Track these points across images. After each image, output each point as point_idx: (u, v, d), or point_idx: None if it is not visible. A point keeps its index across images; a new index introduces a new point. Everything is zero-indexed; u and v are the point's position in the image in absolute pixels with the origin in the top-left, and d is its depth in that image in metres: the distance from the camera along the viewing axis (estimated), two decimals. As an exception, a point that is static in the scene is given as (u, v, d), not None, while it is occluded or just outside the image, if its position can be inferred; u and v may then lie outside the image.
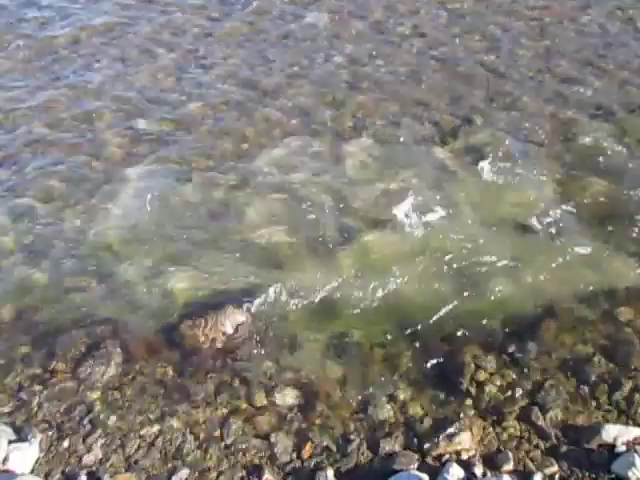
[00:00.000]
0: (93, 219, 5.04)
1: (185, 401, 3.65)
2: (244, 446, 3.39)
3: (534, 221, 4.90)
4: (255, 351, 3.98)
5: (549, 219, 4.90)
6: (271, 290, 4.29)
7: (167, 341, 4.05)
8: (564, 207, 5.02)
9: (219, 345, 4.02)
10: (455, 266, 4.49)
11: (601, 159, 5.52)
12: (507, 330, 4.05)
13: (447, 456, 3.28)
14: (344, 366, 3.87)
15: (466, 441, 3.32)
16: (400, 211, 5.01)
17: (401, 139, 5.92)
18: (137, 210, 5.09)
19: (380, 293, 4.31)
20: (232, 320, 4.14)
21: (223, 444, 3.40)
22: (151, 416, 3.53)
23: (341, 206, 5.14)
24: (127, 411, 3.55)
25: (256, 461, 3.33)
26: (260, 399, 3.67)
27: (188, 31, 7.90)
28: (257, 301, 4.24)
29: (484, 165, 5.44)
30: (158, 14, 8.28)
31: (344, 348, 3.99)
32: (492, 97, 6.53)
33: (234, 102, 6.49)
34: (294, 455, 3.36)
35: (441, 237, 4.76)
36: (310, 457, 3.34)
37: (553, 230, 4.81)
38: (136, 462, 3.27)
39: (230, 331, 4.09)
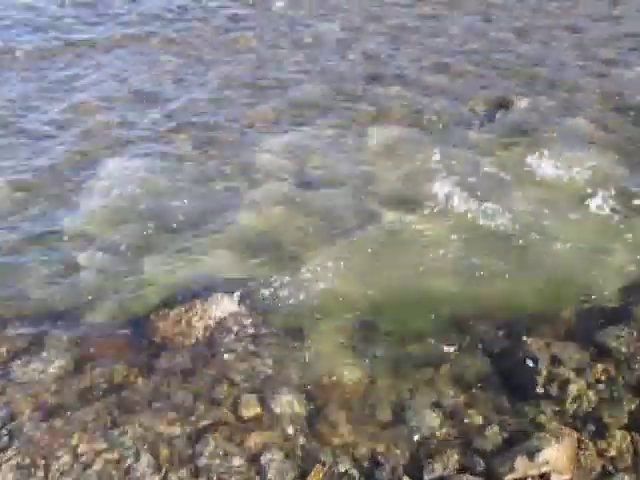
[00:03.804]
0: (68, 204, 4.19)
1: (147, 410, 2.63)
2: (222, 470, 2.33)
3: (594, 201, 3.95)
4: (248, 347, 2.97)
5: (613, 197, 3.95)
6: (273, 275, 3.34)
7: (135, 336, 3.08)
8: (627, 184, 4.07)
9: (201, 340, 3.03)
10: (511, 245, 3.53)
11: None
12: (589, 315, 3.00)
13: (528, 482, 2.17)
14: (367, 365, 2.85)
15: (555, 460, 2.20)
16: (437, 191, 4.10)
17: (430, 123, 5.12)
18: (122, 194, 4.24)
19: (413, 276, 3.33)
20: (220, 309, 3.18)
21: (192, 466, 2.34)
22: (96, 428, 2.51)
23: (360, 189, 4.26)
24: (63, 421, 2.53)
25: (239, 491, 2.25)
26: (250, 407, 2.64)
27: (196, 40, 7.45)
28: (254, 287, 3.28)
29: (528, 144, 4.60)
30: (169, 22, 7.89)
31: (367, 342, 2.98)
32: (528, 81, 5.82)
33: (244, 94, 5.82)
34: (295, 483, 2.28)
35: (488, 217, 3.81)
36: (320, 486, 2.26)
37: (618, 209, 3.84)
38: (61, 490, 2.23)
39: (217, 323, 3.11)
